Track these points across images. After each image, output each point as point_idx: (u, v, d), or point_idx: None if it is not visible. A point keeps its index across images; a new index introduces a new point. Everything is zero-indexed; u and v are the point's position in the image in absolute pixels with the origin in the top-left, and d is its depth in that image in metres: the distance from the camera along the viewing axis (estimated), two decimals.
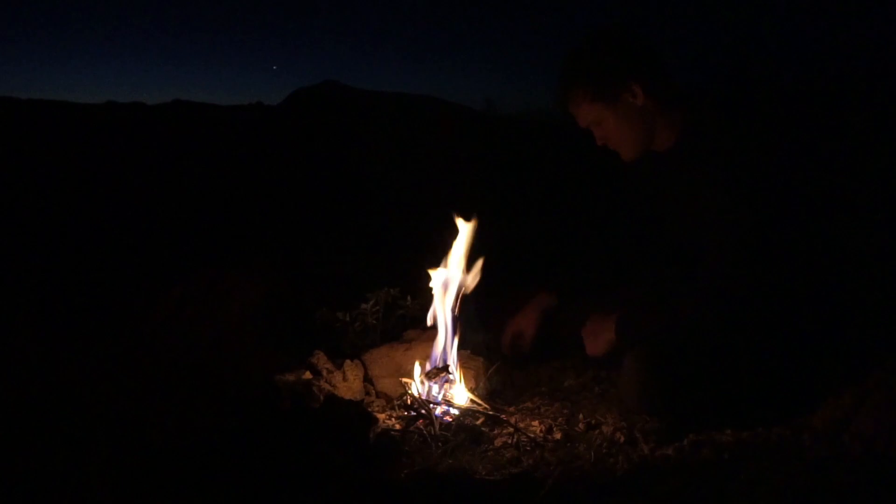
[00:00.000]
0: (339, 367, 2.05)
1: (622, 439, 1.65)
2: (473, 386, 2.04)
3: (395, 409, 1.98)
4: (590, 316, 1.94)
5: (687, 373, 1.68)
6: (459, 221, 2.00)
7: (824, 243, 1.74)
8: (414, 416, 1.85)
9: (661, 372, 1.72)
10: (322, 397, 1.86)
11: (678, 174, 1.78)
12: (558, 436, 1.74)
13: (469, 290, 2.02)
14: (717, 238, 1.66)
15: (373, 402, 2.04)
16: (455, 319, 2.01)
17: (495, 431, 1.80)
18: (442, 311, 2.00)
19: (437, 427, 1.78)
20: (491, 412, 1.87)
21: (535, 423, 1.83)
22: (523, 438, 1.72)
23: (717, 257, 1.67)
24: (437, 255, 2.03)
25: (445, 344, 2.00)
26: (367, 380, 2.12)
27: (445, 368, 1.95)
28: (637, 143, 1.78)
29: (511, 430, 1.75)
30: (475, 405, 1.90)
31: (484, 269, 2.02)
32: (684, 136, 1.75)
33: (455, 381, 1.97)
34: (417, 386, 1.96)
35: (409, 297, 2.36)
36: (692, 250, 1.80)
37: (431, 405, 1.85)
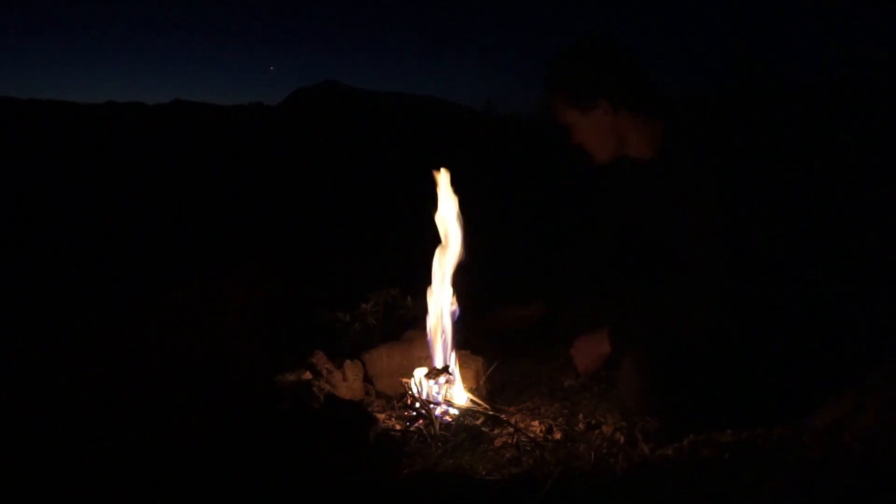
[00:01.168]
0: (339, 367, 2.05)
1: (622, 439, 1.65)
2: (473, 386, 2.04)
3: (395, 409, 1.98)
4: (577, 338, 1.98)
5: (686, 373, 1.68)
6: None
7: (813, 245, 1.76)
8: (414, 416, 1.85)
9: (660, 373, 1.72)
10: (322, 397, 1.86)
11: (658, 183, 1.82)
12: (558, 436, 1.74)
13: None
14: (698, 247, 1.69)
15: (373, 402, 2.04)
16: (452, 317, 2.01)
17: (495, 431, 1.80)
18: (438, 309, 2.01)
19: (437, 427, 1.78)
20: (491, 412, 1.87)
21: (535, 423, 1.84)
22: (523, 438, 1.72)
23: (698, 265, 1.70)
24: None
25: (443, 343, 2.00)
26: (367, 380, 2.12)
27: (446, 369, 1.95)
28: (606, 152, 1.85)
29: (511, 430, 1.75)
30: (475, 405, 1.91)
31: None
32: (666, 146, 1.79)
33: (455, 381, 1.97)
34: (418, 386, 1.96)
35: (409, 297, 2.36)
36: (672, 255, 1.82)
37: (431, 405, 1.85)
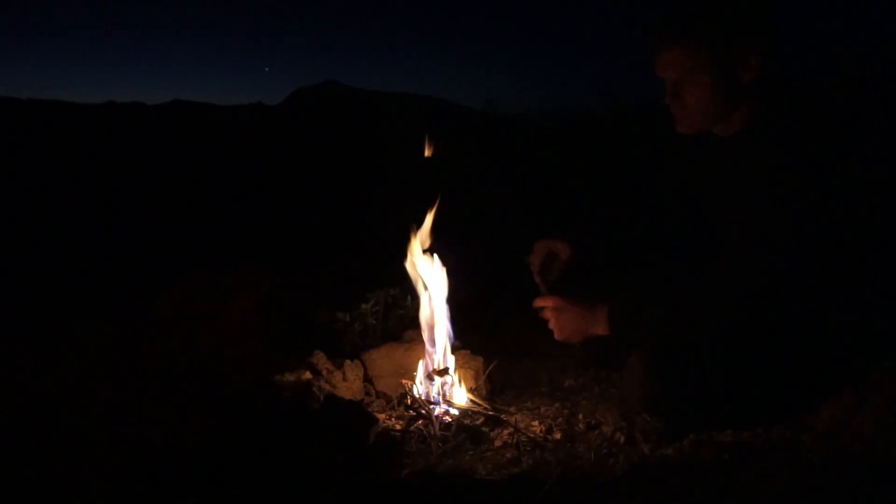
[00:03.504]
0: (339, 367, 2.05)
1: (622, 439, 1.65)
2: (473, 386, 2.04)
3: (395, 409, 1.98)
4: (562, 301, 1.75)
5: (690, 374, 1.67)
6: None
7: (855, 250, 1.65)
8: (414, 416, 1.85)
9: (664, 373, 1.70)
10: (322, 397, 1.86)
11: (736, 162, 1.67)
12: (558, 436, 1.74)
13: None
14: (761, 236, 1.56)
15: (373, 402, 2.04)
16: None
17: (495, 431, 1.80)
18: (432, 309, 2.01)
19: (437, 427, 1.78)
20: (491, 412, 1.87)
21: (535, 423, 1.83)
22: (523, 438, 1.72)
23: (752, 257, 1.57)
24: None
25: (443, 343, 2.00)
26: (367, 380, 2.13)
27: (446, 371, 1.95)
28: (708, 120, 1.64)
29: (511, 430, 1.75)
30: (475, 405, 1.91)
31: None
32: (753, 123, 1.63)
33: (455, 381, 1.97)
34: (418, 386, 1.96)
35: (409, 297, 2.36)
36: (718, 243, 1.74)
37: (431, 405, 1.85)
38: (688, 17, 1.57)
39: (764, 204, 1.57)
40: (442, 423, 1.81)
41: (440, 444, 1.72)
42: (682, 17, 1.58)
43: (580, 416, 1.84)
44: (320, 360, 2.04)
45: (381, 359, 2.13)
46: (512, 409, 1.95)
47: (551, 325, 1.76)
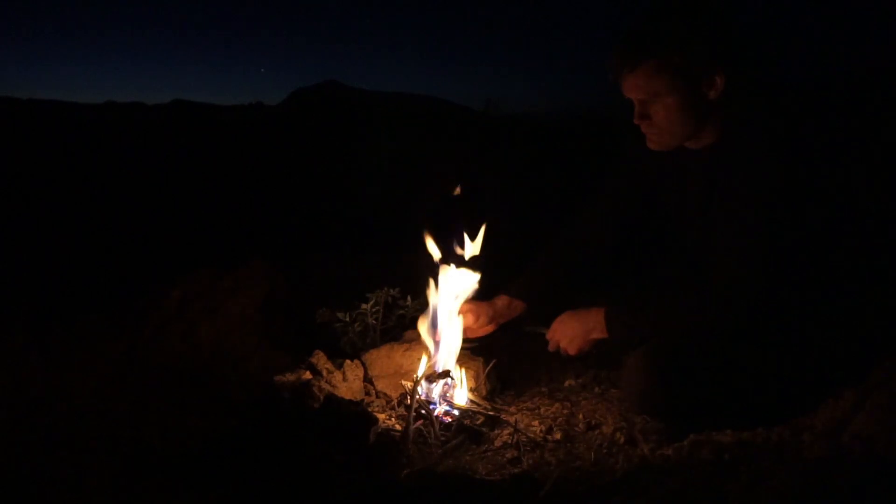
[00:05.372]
0: (339, 367, 2.05)
1: (622, 439, 1.65)
2: (473, 386, 2.04)
3: (395, 409, 1.98)
4: (561, 315, 1.86)
5: (689, 374, 1.67)
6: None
7: (837, 250, 1.67)
8: (414, 416, 1.85)
9: (663, 373, 1.71)
10: (322, 397, 1.86)
11: (708, 174, 1.68)
12: (558, 436, 1.74)
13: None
14: (737, 243, 1.59)
15: (373, 402, 2.04)
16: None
17: (495, 431, 1.80)
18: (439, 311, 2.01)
19: (437, 427, 1.78)
20: (491, 412, 1.87)
21: (535, 423, 1.84)
22: (523, 438, 1.72)
23: (731, 262, 1.60)
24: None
25: (445, 344, 2.00)
26: (367, 380, 2.13)
27: (447, 373, 1.95)
28: (678, 137, 1.64)
29: (511, 430, 1.75)
30: (475, 405, 1.91)
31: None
32: (724, 136, 1.64)
33: (455, 383, 1.97)
34: (418, 386, 1.95)
35: (409, 297, 2.36)
36: (699, 251, 1.77)
37: (431, 405, 1.85)
38: (648, 41, 1.56)
39: (737, 214, 1.59)
40: (442, 423, 1.81)
41: (440, 444, 1.72)
42: (642, 40, 1.56)
43: (580, 416, 1.84)
44: (320, 360, 2.04)
45: (381, 359, 2.13)
46: (512, 409, 1.95)
47: (555, 346, 1.88)
